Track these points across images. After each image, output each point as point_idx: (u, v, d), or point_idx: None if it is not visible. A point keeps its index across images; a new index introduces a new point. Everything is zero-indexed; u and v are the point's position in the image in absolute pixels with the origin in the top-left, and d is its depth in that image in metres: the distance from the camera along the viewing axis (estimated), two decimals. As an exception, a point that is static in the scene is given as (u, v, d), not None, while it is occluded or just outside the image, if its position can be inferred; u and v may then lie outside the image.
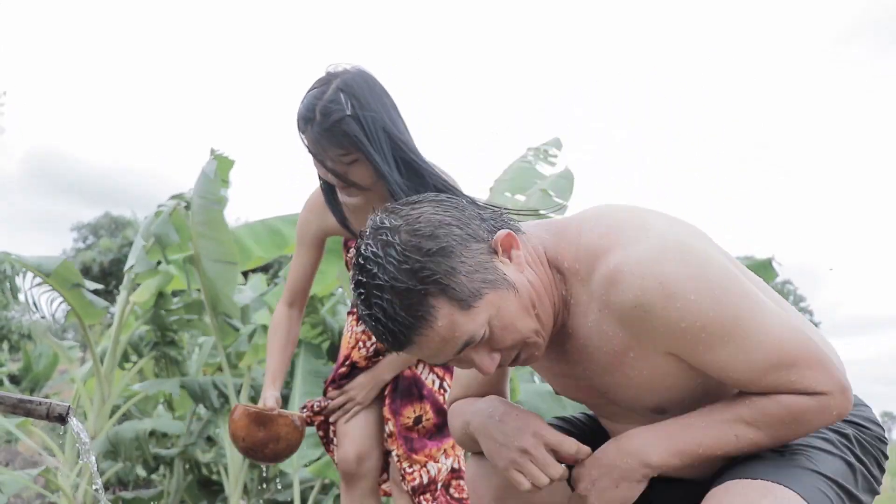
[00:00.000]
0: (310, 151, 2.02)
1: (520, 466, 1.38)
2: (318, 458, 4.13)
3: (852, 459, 1.38)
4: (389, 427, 2.30)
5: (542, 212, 4.13)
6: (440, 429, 2.29)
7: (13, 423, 5.26)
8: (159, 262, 4.68)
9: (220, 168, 4.21)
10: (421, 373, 2.32)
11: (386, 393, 2.31)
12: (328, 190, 2.17)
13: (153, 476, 5.92)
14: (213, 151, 4.24)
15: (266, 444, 2.21)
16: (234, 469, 4.59)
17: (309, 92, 1.99)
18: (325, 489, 4.78)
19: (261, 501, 5.19)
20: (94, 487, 1.56)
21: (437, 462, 2.28)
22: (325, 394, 2.43)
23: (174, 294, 5.27)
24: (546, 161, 4.72)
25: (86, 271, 23.99)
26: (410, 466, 2.26)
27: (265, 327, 4.60)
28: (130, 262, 4.70)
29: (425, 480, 2.26)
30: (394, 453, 2.29)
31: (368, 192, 2.04)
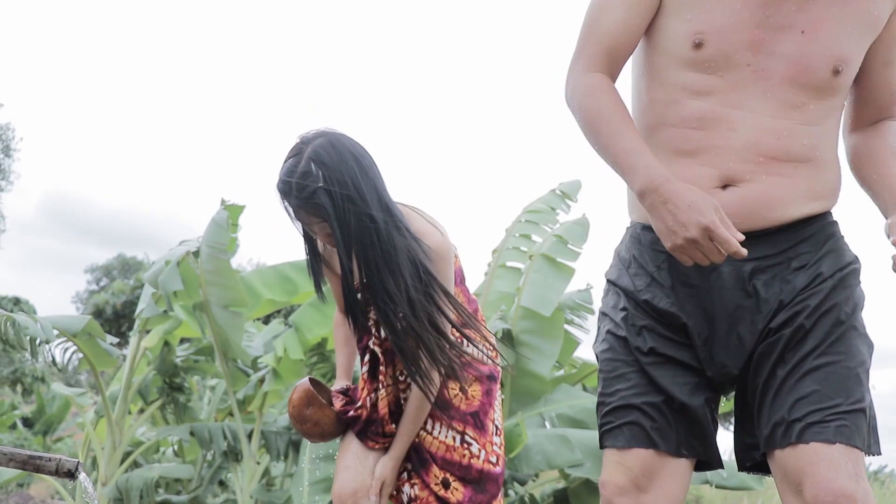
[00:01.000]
0: (293, 220, 2.10)
1: (686, 252, 1.46)
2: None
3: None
4: (414, 491, 2.24)
5: (552, 256, 4.18)
6: (475, 497, 2.22)
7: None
8: (165, 311, 4.71)
9: (230, 216, 4.27)
10: (433, 442, 2.25)
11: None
12: (309, 251, 2.23)
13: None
14: (223, 202, 4.30)
15: (305, 421, 2.28)
16: (245, 515, 4.58)
17: (284, 164, 2.06)
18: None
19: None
20: None
21: None
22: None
23: (184, 340, 5.30)
24: (565, 203, 4.77)
25: (98, 313, 24.09)
26: None
27: (275, 371, 4.62)
28: (141, 307, 4.74)
29: None
30: None
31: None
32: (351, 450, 2.28)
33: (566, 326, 4.31)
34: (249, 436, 4.67)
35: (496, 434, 2.28)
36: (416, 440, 2.24)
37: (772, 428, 1.52)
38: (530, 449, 3.48)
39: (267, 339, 5.14)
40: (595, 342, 1.79)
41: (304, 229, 2.16)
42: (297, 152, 2.04)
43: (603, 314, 1.77)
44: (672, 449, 1.62)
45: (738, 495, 14.61)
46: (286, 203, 2.06)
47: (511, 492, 4.66)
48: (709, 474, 4.02)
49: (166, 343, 5.11)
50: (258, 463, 4.78)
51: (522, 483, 4.70)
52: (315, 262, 2.24)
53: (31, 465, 1.50)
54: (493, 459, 2.24)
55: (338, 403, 2.31)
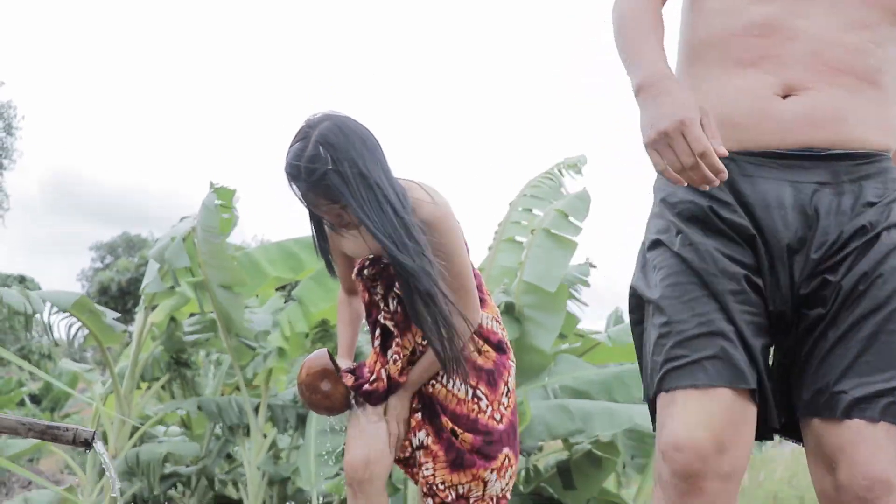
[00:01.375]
0: (302, 202, 2.13)
1: (658, 148, 1.34)
2: (336, 475, 4.18)
3: None
4: (429, 440, 2.30)
5: (554, 231, 4.19)
6: (484, 449, 2.27)
7: (35, 442, 5.33)
8: (171, 286, 4.75)
9: (220, 198, 4.30)
10: (447, 395, 2.30)
11: (413, 405, 2.34)
12: (316, 232, 2.28)
13: (171, 493, 5.98)
14: (212, 185, 4.34)
15: (316, 392, 2.30)
16: (253, 487, 4.65)
17: (291, 147, 2.08)
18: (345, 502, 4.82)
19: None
20: None
21: (486, 485, 2.27)
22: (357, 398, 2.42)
23: (192, 315, 5.35)
24: (570, 178, 4.78)
25: (104, 291, 24.20)
26: (443, 484, 2.27)
27: (281, 350, 4.68)
28: (146, 283, 4.79)
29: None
30: (425, 469, 2.29)
31: (360, 229, 2.13)
32: (360, 422, 2.33)
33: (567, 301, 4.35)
34: (256, 409, 4.74)
35: (506, 395, 2.33)
36: (430, 391, 2.30)
37: (813, 394, 1.39)
38: (533, 420, 3.53)
39: (269, 314, 5.18)
40: (639, 276, 1.55)
41: (311, 211, 2.21)
42: (303, 136, 2.07)
43: (655, 242, 1.52)
44: (756, 392, 1.37)
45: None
46: (295, 186, 2.09)
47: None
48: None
49: (173, 319, 5.16)
50: (265, 436, 4.84)
51: (527, 455, 4.76)
52: (322, 242, 2.29)
53: (49, 435, 1.54)
54: (497, 417, 2.29)
55: (348, 381, 2.36)
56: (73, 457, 5.31)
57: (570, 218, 4.21)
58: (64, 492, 4.63)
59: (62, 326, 4.91)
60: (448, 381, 2.30)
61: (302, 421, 4.73)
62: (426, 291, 2.08)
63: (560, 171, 4.83)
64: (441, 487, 2.24)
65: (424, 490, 2.27)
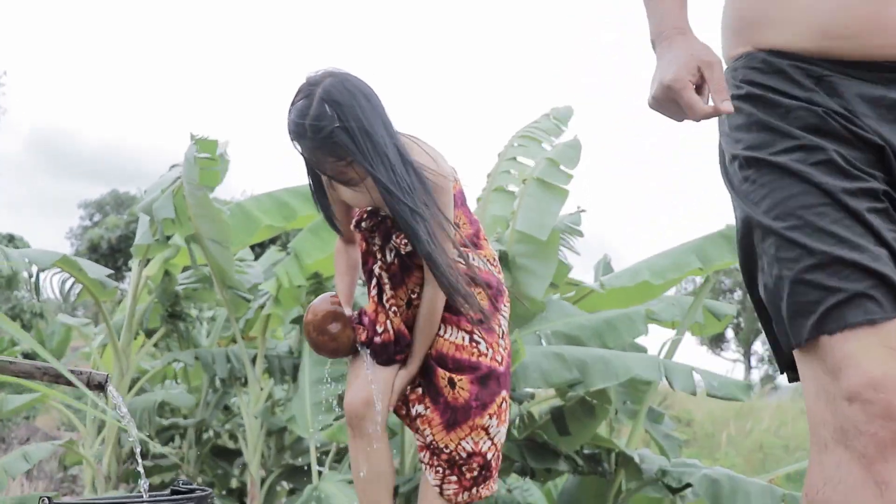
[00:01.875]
0: (306, 160, 2.19)
1: (656, 107, 1.31)
2: (332, 424, 4.24)
3: None
4: (418, 409, 2.37)
5: (546, 180, 4.19)
6: (481, 396, 2.33)
7: (31, 398, 5.37)
8: (168, 237, 4.76)
9: (203, 149, 4.27)
10: (444, 343, 2.36)
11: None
12: (315, 187, 2.32)
13: (168, 447, 6.06)
14: (192, 136, 4.31)
15: (324, 334, 2.35)
16: (252, 438, 4.72)
17: (294, 105, 2.11)
18: (340, 454, 4.90)
19: (278, 469, 5.31)
20: (136, 450, 1.65)
21: (489, 431, 2.34)
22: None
23: (186, 269, 5.36)
24: (557, 129, 4.78)
25: (94, 248, 24.15)
26: (453, 444, 2.33)
27: (276, 297, 4.71)
28: (139, 236, 4.79)
29: (479, 461, 2.32)
30: (426, 436, 2.36)
31: (364, 182, 2.16)
32: (362, 365, 2.39)
33: (560, 251, 4.38)
34: (253, 361, 4.79)
35: (502, 337, 2.40)
36: (429, 351, 2.36)
37: None
38: (527, 367, 3.58)
39: (266, 266, 5.21)
40: (744, 203, 1.33)
41: (311, 167, 2.24)
42: (307, 94, 2.09)
43: (753, 160, 1.31)
44: None
45: (724, 417, 15.00)
46: (299, 145, 2.12)
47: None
48: (703, 381, 4.15)
49: (167, 272, 5.17)
50: (262, 388, 4.90)
51: (520, 402, 4.84)
52: (322, 198, 2.33)
53: (64, 379, 1.58)
54: (499, 359, 2.37)
55: (360, 333, 2.40)
56: (73, 412, 5.36)
57: (562, 166, 4.21)
58: (64, 445, 4.68)
59: (55, 282, 4.89)
60: (444, 331, 2.36)
61: (297, 372, 4.79)
62: (427, 241, 2.11)
63: (547, 122, 4.82)
64: (443, 447, 2.31)
65: (430, 451, 2.34)
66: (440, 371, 2.33)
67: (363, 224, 2.32)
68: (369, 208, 2.30)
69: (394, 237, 2.29)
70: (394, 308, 2.34)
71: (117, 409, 1.67)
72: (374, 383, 2.32)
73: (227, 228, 4.40)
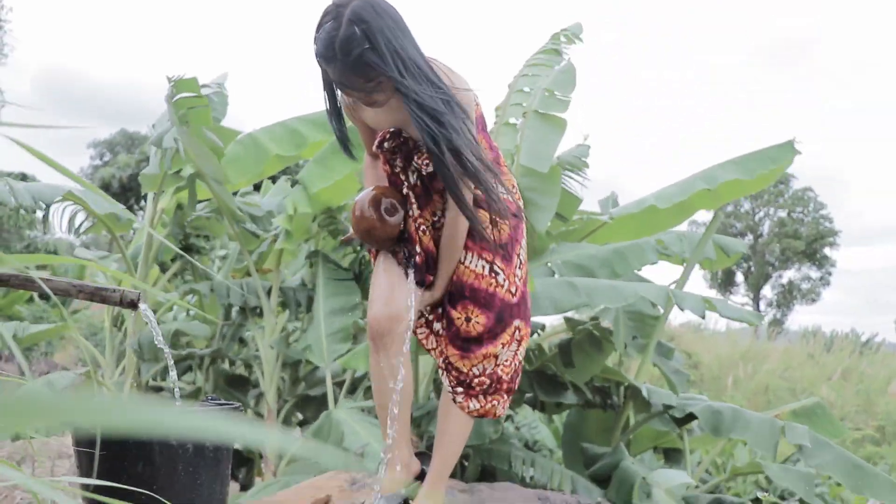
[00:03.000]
0: (336, 83, 2.18)
1: None
2: (346, 352, 4.33)
3: None
4: (436, 328, 2.46)
5: (543, 111, 4.17)
6: (494, 330, 2.42)
7: (50, 326, 5.47)
8: (179, 171, 4.79)
9: (181, 89, 4.24)
10: (464, 271, 2.42)
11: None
12: (331, 108, 2.34)
13: (183, 379, 6.18)
14: (169, 79, 4.28)
15: (372, 220, 2.35)
16: (268, 368, 4.81)
17: (322, 27, 2.11)
18: (354, 384, 5.00)
19: (293, 399, 5.42)
20: (170, 371, 1.72)
21: (498, 357, 2.43)
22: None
23: (200, 202, 5.40)
24: (566, 49, 4.70)
25: (105, 187, 24.21)
26: (465, 368, 2.42)
27: (287, 232, 4.75)
28: (149, 168, 4.81)
29: (486, 380, 2.43)
30: (443, 359, 2.45)
31: (390, 103, 2.20)
32: (384, 280, 2.45)
33: (566, 183, 4.38)
34: (268, 293, 4.85)
35: (519, 267, 2.46)
36: (459, 277, 2.42)
37: None
38: (539, 296, 3.63)
39: (277, 199, 5.24)
40: None
41: (331, 90, 2.26)
42: (335, 15, 2.09)
43: None
44: None
45: (732, 359, 15.09)
46: (329, 67, 2.13)
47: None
48: (717, 302, 4.18)
49: (179, 206, 5.22)
50: (276, 320, 4.98)
51: (531, 334, 4.91)
52: (338, 118, 2.35)
53: (98, 297, 1.63)
54: (513, 290, 2.43)
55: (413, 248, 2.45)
56: (94, 343, 5.47)
57: (557, 94, 4.18)
58: (86, 374, 4.79)
59: (66, 217, 4.92)
60: (466, 258, 2.42)
61: (311, 304, 4.86)
62: (456, 149, 2.15)
63: (556, 45, 4.75)
64: (457, 367, 2.40)
65: (442, 366, 2.43)
66: (458, 306, 2.40)
67: (385, 145, 2.35)
68: (392, 129, 2.33)
69: (416, 158, 2.32)
70: (422, 227, 2.40)
71: (150, 325, 1.72)
72: (409, 298, 2.38)
73: (219, 166, 4.39)
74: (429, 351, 2.55)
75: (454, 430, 2.47)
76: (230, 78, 5.22)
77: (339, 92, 2.33)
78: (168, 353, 1.77)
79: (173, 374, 1.80)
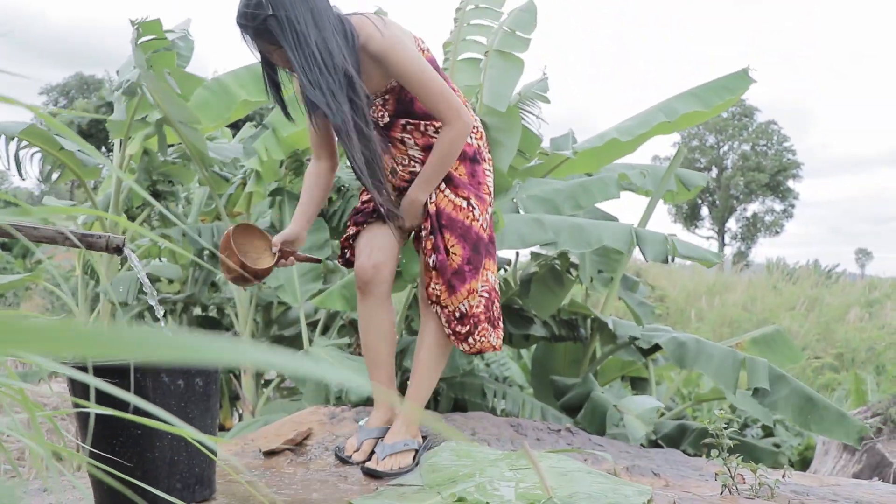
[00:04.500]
0: (251, 49, 2.40)
1: None
2: (319, 292, 4.39)
3: None
4: (432, 260, 2.56)
5: (503, 50, 4.20)
6: (472, 259, 2.56)
7: (19, 277, 5.46)
8: (145, 117, 4.76)
9: (147, 32, 4.18)
10: (443, 199, 2.55)
11: (424, 225, 2.57)
12: (268, 80, 2.49)
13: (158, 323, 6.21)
14: (132, 22, 4.22)
15: (223, 265, 2.50)
16: (242, 311, 4.87)
17: None
18: (328, 322, 5.07)
19: (267, 340, 5.50)
20: (156, 311, 1.78)
21: (478, 292, 2.58)
22: (352, 223, 2.67)
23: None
24: None
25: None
26: (451, 306, 2.59)
27: (257, 174, 4.76)
28: (115, 115, 4.77)
29: (472, 313, 2.60)
30: (434, 285, 2.58)
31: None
32: (365, 233, 2.61)
33: (527, 120, 4.42)
34: (238, 235, 4.88)
35: (490, 206, 2.60)
36: (436, 202, 2.55)
37: None
38: (506, 232, 3.71)
39: (245, 142, 5.23)
40: None
41: (263, 60, 2.41)
42: None
43: None
44: None
45: (697, 292, 15.38)
46: (245, 34, 2.34)
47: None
48: (679, 243, 4.30)
49: (146, 151, 5.19)
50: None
51: (497, 269, 5.00)
52: (275, 89, 2.49)
53: (84, 243, 1.68)
54: (485, 227, 2.59)
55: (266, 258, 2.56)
56: (66, 291, 5.48)
57: (518, 32, 4.21)
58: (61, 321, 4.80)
59: (34, 162, 4.86)
60: (446, 189, 2.53)
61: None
62: (346, 133, 2.34)
63: None
64: (444, 305, 2.54)
65: (431, 300, 2.56)
66: (445, 235, 2.51)
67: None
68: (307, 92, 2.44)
69: (371, 111, 2.46)
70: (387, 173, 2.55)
71: (135, 269, 1.77)
72: (381, 247, 2.54)
73: (190, 111, 4.37)
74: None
75: (427, 359, 2.59)
76: (193, 22, 5.16)
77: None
78: (153, 292, 1.82)
79: (160, 311, 1.85)
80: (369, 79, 2.44)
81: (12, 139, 4.47)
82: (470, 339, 2.60)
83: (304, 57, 2.26)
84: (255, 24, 2.27)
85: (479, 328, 2.61)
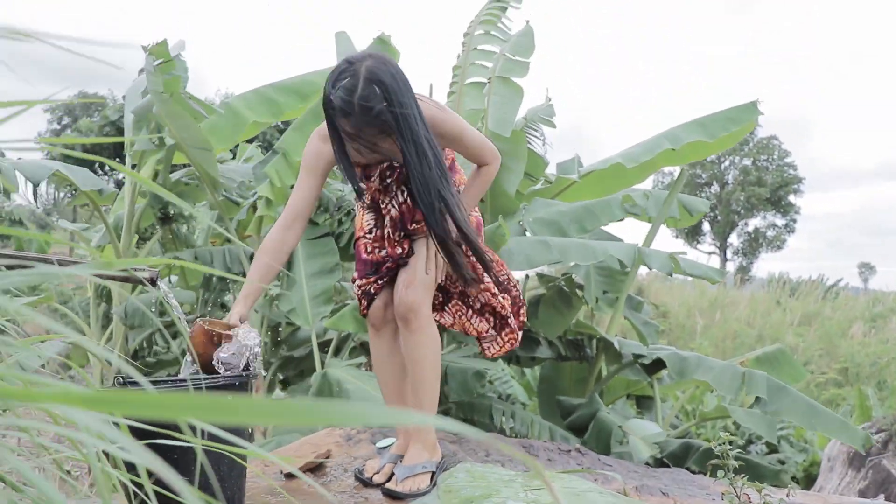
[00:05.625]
0: (345, 133, 2.32)
1: None
2: (331, 314, 4.47)
3: None
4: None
5: (504, 76, 4.31)
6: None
7: (31, 299, 5.53)
8: (161, 140, 4.85)
9: (159, 57, 4.28)
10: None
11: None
12: (341, 157, 2.45)
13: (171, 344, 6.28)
14: (145, 48, 4.32)
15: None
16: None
17: (339, 83, 2.26)
18: (341, 342, 5.14)
19: (276, 360, 5.56)
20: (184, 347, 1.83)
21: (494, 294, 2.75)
22: (362, 278, 2.73)
23: (174, 168, 5.47)
24: (513, 6, 4.81)
25: (67, 155, 23.88)
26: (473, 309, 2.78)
27: (268, 200, 4.85)
28: (133, 140, 4.87)
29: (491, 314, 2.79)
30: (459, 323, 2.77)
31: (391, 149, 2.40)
32: (414, 266, 2.70)
33: (533, 144, 4.52)
34: (250, 258, 4.97)
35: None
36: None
37: None
38: (512, 252, 3.80)
39: (255, 167, 5.32)
40: None
41: (338, 136, 2.36)
42: (352, 73, 2.26)
43: None
44: None
45: (699, 307, 15.41)
46: (343, 119, 2.27)
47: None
48: (682, 260, 4.39)
49: (156, 174, 5.28)
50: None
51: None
52: (348, 163, 2.45)
53: (119, 276, 1.75)
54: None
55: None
56: (77, 313, 5.55)
57: (517, 57, 4.32)
58: (73, 342, 4.87)
59: (49, 189, 4.97)
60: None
61: (290, 267, 4.98)
62: (438, 222, 2.39)
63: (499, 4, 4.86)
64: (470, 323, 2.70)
65: (459, 328, 2.75)
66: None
67: (388, 179, 2.57)
68: (387, 164, 2.54)
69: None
70: (397, 239, 2.66)
71: (167, 300, 1.84)
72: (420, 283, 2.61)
73: (202, 134, 4.46)
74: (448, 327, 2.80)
75: (422, 375, 2.64)
76: (192, 40, 5.26)
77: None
78: (182, 318, 1.89)
79: (188, 337, 1.92)
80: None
81: (37, 185, 4.55)
82: (497, 340, 2.79)
83: (416, 153, 2.29)
84: (367, 115, 2.23)
85: (505, 327, 2.78)
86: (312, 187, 2.55)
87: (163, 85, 4.27)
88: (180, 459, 1.87)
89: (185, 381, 2.12)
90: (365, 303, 2.75)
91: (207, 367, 2.35)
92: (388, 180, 2.56)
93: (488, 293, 2.72)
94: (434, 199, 2.34)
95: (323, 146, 2.53)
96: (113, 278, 1.74)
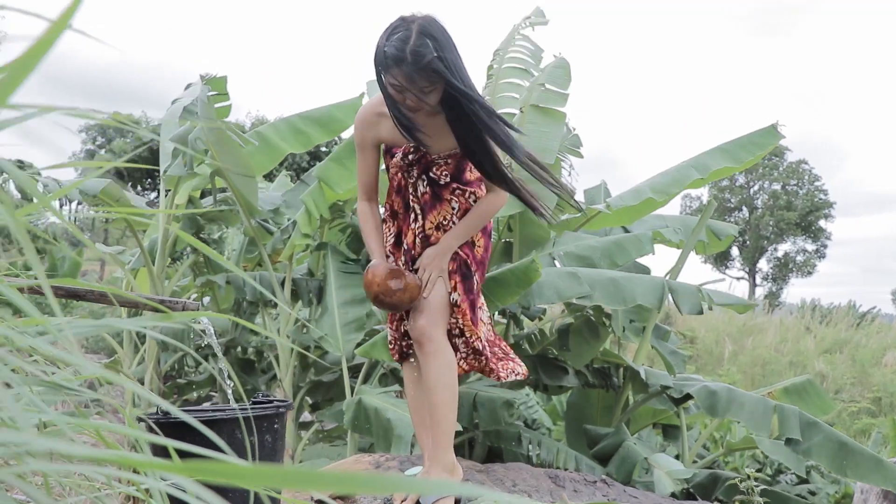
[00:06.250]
0: (397, 84, 2.49)
1: None
2: (364, 341, 4.53)
3: None
4: (454, 297, 2.73)
5: (542, 105, 4.37)
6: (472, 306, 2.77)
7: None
8: (193, 165, 4.97)
9: (213, 88, 4.45)
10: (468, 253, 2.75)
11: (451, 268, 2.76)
12: (399, 114, 2.59)
13: (202, 366, 6.38)
14: (202, 77, 4.49)
15: (395, 292, 2.67)
16: (284, 356, 5.02)
17: (392, 35, 2.46)
18: (370, 369, 5.20)
19: (304, 385, 5.63)
20: (228, 381, 1.90)
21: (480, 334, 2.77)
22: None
23: (204, 194, 5.60)
24: (533, 30, 4.90)
25: (102, 174, 24.28)
26: (470, 334, 2.81)
27: (301, 227, 4.94)
28: (165, 166, 4.98)
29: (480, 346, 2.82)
30: (457, 322, 2.80)
31: (428, 113, 2.61)
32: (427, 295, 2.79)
33: (561, 173, 4.58)
34: (282, 284, 5.05)
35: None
36: (466, 251, 2.75)
37: None
38: (543, 285, 3.84)
39: (285, 192, 5.44)
40: None
41: (392, 95, 2.54)
42: (406, 28, 2.46)
43: None
44: None
45: (728, 333, 15.28)
46: (396, 69, 2.45)
47: (524, 325, 5.10)
48: (711, 293, 4.40)
49: (191, 200, 5.41)
50: (291, 310, 5.18)
51: (532, 318, 5.12)
52: (407, 121, 2.59)
53: (165, 307, 1.82)
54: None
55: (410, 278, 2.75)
56: (112, 334, 5.66)
57: (555, 88, 4.39)
58: (107, 364, 4.99)
59: (83, 210, 5.10)
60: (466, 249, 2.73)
61: (321, 294, 5.06)
62: (507, 142, 2.59)
63: (525, 32, 4.94)
64: (468, 336, 2.71)
65: (455, 332, 2.73)
66: (477, 276, 2.82)
67: (410, 157, 2.73)
68: (412, 145, 2.62)
69: (434, 169, 2.68)
70: (421, 235, 2.76)
71: (207, 334, 1.91)
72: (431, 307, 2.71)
73: (248, 161, 4.62)
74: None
75: (440, 400, 2.70)
76: (226, 62, 5.43)
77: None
78: (219, 348, 1.96)
79: (224, 367, 1.99)
80: (441, 139, 2.62)
81: (79, 204, 4.71)
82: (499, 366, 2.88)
83: (465, 95, 2.47)
84: (421, 63, 2.41)
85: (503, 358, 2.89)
86: (369, 163, 2.84)
87: (217, 111, 4.43)
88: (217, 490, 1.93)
89: (222, 410, 2.20)
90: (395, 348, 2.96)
91: (384, 297, 2.70)
92: (411, 157, 2.73)
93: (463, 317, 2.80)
94: (492, 123, 2.52)
95: (364, 131, 2.78)
96: (157, 309, 1.81)
